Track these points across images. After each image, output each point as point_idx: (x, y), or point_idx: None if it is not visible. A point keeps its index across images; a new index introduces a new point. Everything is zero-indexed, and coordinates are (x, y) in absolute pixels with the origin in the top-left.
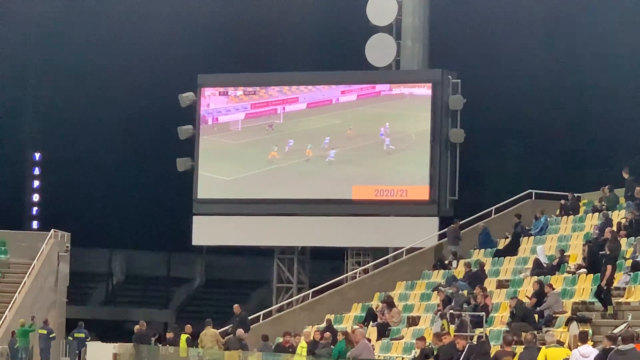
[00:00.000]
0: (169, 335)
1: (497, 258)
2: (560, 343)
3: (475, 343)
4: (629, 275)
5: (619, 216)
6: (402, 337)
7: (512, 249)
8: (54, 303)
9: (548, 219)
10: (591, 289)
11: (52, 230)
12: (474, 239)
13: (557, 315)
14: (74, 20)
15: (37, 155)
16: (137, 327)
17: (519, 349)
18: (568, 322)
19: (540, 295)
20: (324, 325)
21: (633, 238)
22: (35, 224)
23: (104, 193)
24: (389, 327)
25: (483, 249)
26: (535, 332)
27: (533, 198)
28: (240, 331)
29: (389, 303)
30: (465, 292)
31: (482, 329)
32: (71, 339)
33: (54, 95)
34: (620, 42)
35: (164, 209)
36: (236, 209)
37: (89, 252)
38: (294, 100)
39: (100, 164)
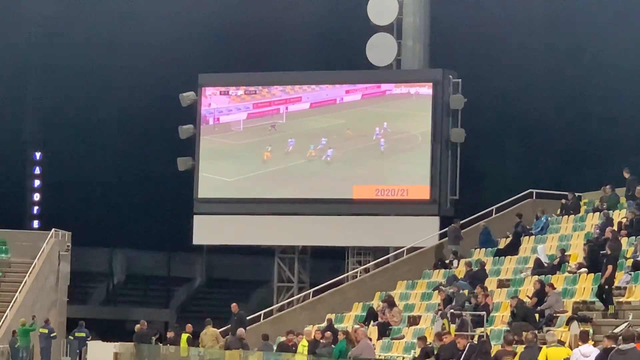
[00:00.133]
0: (170, 334)
1: (497, 257)
2: (561, 342)
3: (475, 342)
4: (630, 274)
5: (619, 216)
6: (403, 337)
7: (512, 249)
8: (55, 302)
9: (549, 218)
10: (592, 289)
11: (53, 229)
12: (475, 238)
13: (557, 314)
14: (75, 19)
15: (38, 155)
16: (137, 326)
17: (520, 349)
18: (569, 322)
19: (541, 294)
20: (324, 324)
21: (634, 237)
22: (36, 224)
23: (105, 192)
24: (390, 327)
25: (484, 249)
26: (536, 331)
27: (534, 197)
28: (241, 330)
29: (390, 302)
30: (465, 291)
31: (482, 329)
32: (72, 339)
33: (54, 94)
34: (621, 42)
35: (165, 208)
36: (237, 209)
37: (90, 252)
38: (297, 99)
39: (100, 163)
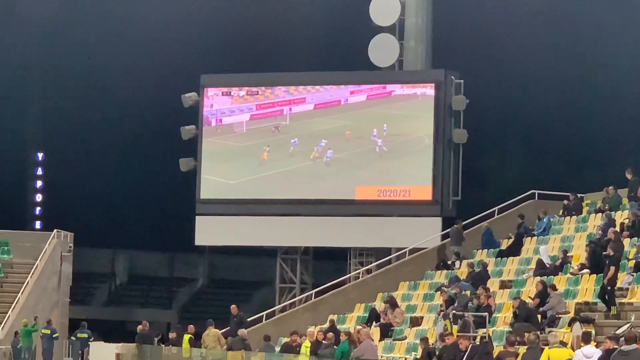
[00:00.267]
0: (172, 335)
1: (500, 258)
2: (563, 343)
3: (478, 343)
4: (632, 275)
5: (622, 217)
6: (405, 338)
7: (515, 250)
8: (57, 303)
9: (551, 219)
10: (594, 290)
11: (55, 230)
12: (477, 239)
13: (560, 315)
14: (78, 20)
15: (40, 156)
16: (139, 327)
17: (522, 350)
18: (571, 323)
19: (543, 295)
20: (327, 325)
21: (636, 238)
22: (38, 224)
23: (107, 193)
24: (392, 328)
25: (486, 249)
26: (538, 332)
27: (536, 198)
28: (242, 331)
29: (392, 303)
30: (468, 292)
31: (485, 330)
32: (74, 339)
33: (56, 95)
34: (623, 43)
35: (167, 209)
36: (239, 209)
37: (92, 252)
38: (300, 100)
39: (103, 164)
